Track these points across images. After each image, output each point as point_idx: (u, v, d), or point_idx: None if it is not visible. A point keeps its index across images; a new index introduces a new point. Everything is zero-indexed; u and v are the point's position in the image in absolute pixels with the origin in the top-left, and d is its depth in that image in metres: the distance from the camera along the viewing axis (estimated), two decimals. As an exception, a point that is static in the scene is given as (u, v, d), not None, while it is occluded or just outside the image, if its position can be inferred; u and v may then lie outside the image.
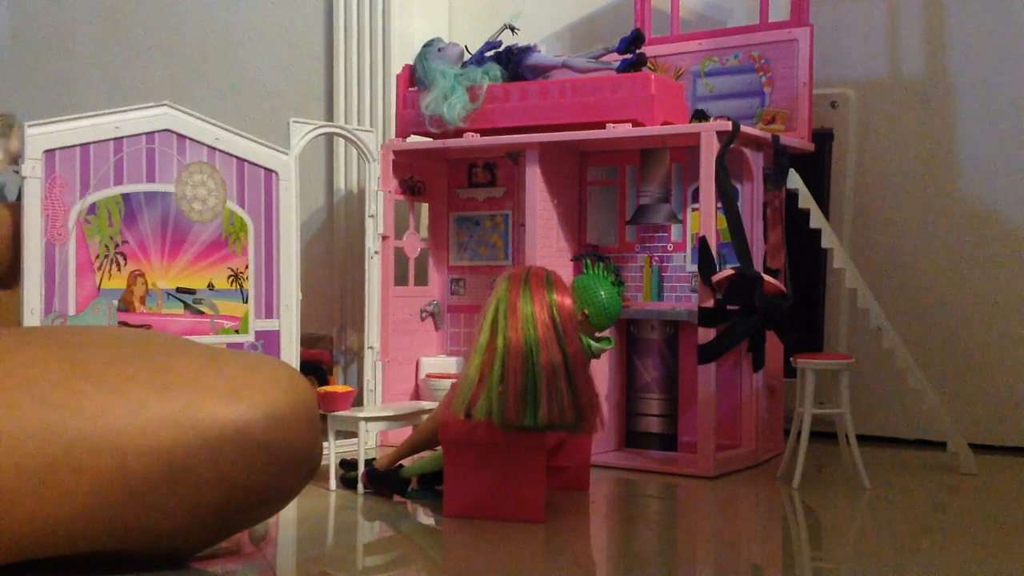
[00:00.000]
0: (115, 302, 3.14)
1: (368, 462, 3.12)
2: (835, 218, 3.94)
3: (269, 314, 3.48)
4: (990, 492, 3.19)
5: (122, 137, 3.16)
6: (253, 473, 2.20)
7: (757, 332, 3.40)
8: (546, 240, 3.65)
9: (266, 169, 3.49)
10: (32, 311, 2.95)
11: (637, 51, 3.58)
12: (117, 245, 3.15)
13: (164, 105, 3.27)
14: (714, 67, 3.88)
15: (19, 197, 3.08)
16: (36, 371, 2.16)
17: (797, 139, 3.66)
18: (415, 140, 3.93)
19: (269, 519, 2.64)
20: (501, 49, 3.85)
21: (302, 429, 2.28)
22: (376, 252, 3.83)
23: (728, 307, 3.34)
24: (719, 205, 3.35)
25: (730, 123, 3.33)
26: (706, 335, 3.33)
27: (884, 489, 3.17)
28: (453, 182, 4.09)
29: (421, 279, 4.05)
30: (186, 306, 3.30)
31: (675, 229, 3.67)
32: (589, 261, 3.14)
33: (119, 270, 3.15)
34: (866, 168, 3.99)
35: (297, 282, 3.54)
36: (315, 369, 4.09)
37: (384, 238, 3.85)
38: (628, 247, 3.74)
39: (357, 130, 3.84)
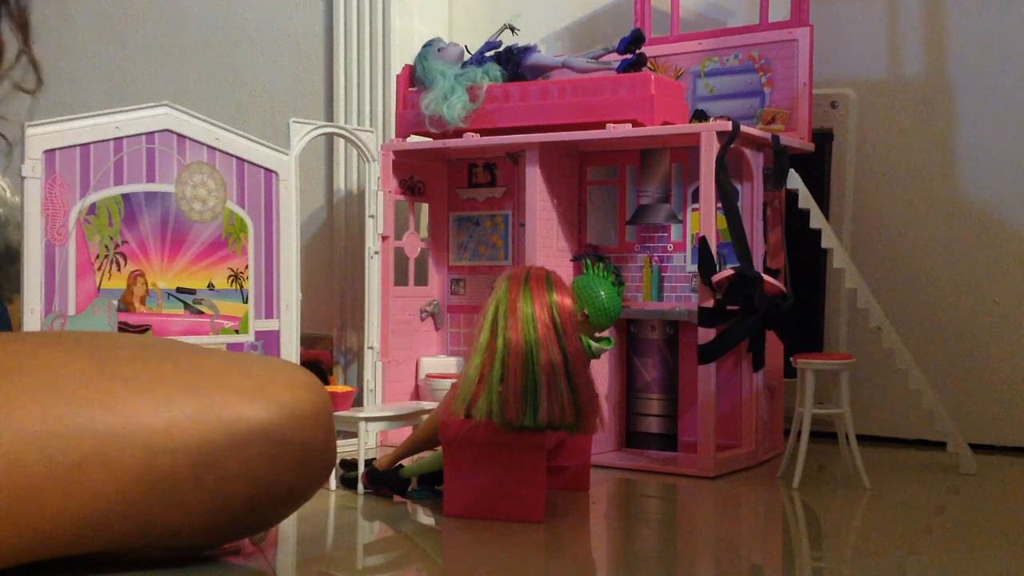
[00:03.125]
0: (115, 302, 3.14)
1: (368, 462, 3.12)
2: (835, 218, 3.94)
3: (269, 314, 3.48)
4: (990, 492, 3.19)
5: (122, 137, 3.16)
6: (276, 470, 2.23)
7: (757, 332, 3.40)
8: (546, 240, 3.65)
9: (266, 169, 3.49)
10: (32, 311, 2.96)
11: (637, 51, 3.58)
12: (117, 245, 3.15)
13: (164, 105, 3.27)
14: (714, 67, 3.89)
15: None
16: (66, 370, 2.19)
17: (797, 139, 3.66)
18: (415, 140, 3.93)
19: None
20: (501, 49, 3.85)
21: (322, 428, 2.32)
22: (376, 252, 3.83)
23: (728, 307, 3.34)
24: (719, 205, 3.35)
25: (730, 123, 3.34)
26: (706, 335, 3.33)
27: (884, 489, 3.17)
28: (453, 182, 4.09)
29: (421, 279, 4.05)
30: (186, 306, 3.30)
31: (675, 229, 3.67)
32: (589, 261, 3.14)
33: (119, 270, 3.15)
34: (866, 168, 3.99)
35: (297, 282, 3.54)
36: (315, 369, 4.09)
37: (384, 238, 3.85)
38: (628, 247, 3.74)
39: (357, 130, 3.84)
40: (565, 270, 3.65)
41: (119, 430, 2.14)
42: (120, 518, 2.14)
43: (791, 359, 3.32)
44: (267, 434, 2.23)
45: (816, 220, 3.52)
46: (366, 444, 3.15)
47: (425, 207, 4.14)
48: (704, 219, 3.34)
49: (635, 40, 3.59)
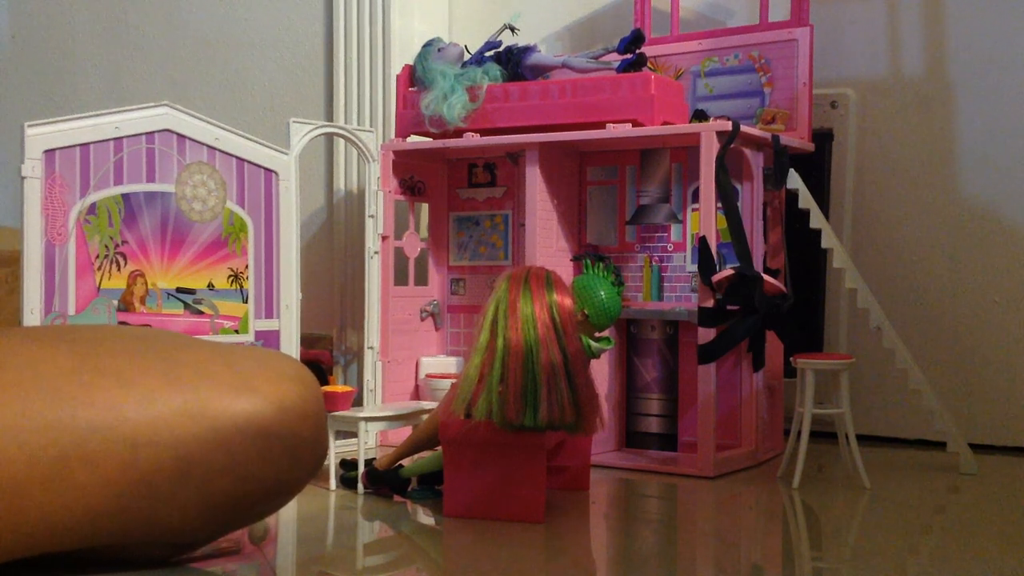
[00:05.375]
0: (115, 302, 3.14)
1: (368, 462, 3.12)
2: (835, 218, 3.94)
3: (269, 314, 3.48)
4: (990, 492, 3.19)
5: (122, 137, 3.16)
6: (263, 464, 2.22)
7: (757, 332, 3.40)
8: (546, 240, 3.65)
9: (266, 169, 3.49)
10: (32, 311, 2.95)
11: (637, 51, 3.58)
12: (117, 245, 3.15)
13: (164, 105, 3.27)
14: (714, 67, 3.89)
15: None
16: (47, 365, 2.18)
17: (797, 139, 3.66)
18: (415, 140, 3.93)
19: (269, 519, 2.65)
20: (501, 49, 3.85)
21: (310, 420, 2.30)
22: (376, 252, 3.83)
23: (728, 307, 3.34)
24: (719, 205, 3.35)
25: (730, 123, 3.34)
26: (706, 335, 3.33)
27: (884, 489, 3.17)
28: (453, 182, 4.09)
29: (421, 279, 4.05)
30: (186, 306, 3.30)
31: (675, 229, 3.67)
32: (589, 261, 3.14)
33: (119, 270, 3.15)
34: (866, 168, 3.99)
35: (297, 282, 3.54)
36: (315, 369, 4.08)
37: (384, 238, 3.85)
38: (628, 247, 3.74)
39: (357, 130, 3.84)
40: (565, 270, 3.65)
41: (101, 425, 2.13)
42: (105, 513, 2.13)
43: (791, 359, 3.32)
44: (253, 428, 2.22)
45: (816, 220, 3.52)
46: (366, 444, 3.15)
47: (425, 207, 4.14)
48: (704, 219, 3.34)
49: (635, 40, 3.59)
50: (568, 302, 2.75)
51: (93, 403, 2.15)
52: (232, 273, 3.40)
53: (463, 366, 3.34)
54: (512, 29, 3.89)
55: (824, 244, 3.51)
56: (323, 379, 4.09)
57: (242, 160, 3.43)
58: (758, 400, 3.54)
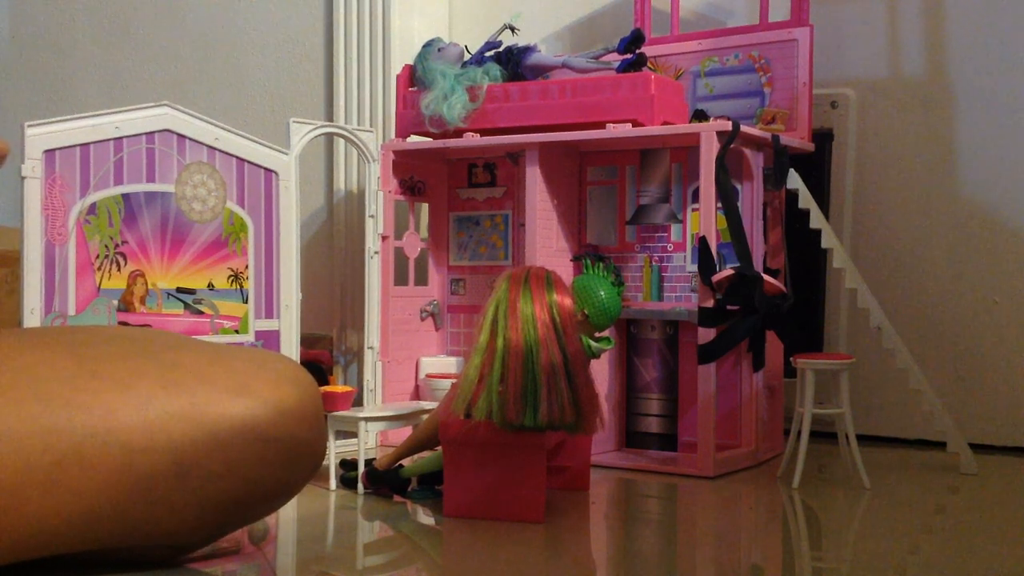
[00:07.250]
0: (115, 302, 3.14)
1: (368, 462, 3.12)
2: (835, 218, 3.95)
3: (269, 314, 3.48)
4: (990, 492, 3.19)
5: (122, 137, 3.16)
6: (261, 467, 2.21)
7: (757, 332, 3.40)
8: (546, 240, 3.65)
9: (266, 169, 3.49)
10: (32, 311, 2.96)
11: (637, 51, 3.58)
12: (117, 245, 3.15)
13: (164, 105, 3.27)
14: (714, 67, 3.89)
15: None
16: (42, 369, 2.17)
17: (797, 139, 3.66)
18: (415, 140, 3.93)
19: (269, 519, 2.65)
20: (501, 49, 3.85)
21: (309, 423, 2.29)
22: (376, 252, 3.83)
23: (728, 307, 3.34)
24: (719, 205, 3.35)
25: (730, 123, 3.34)
26: (706, 335, 3.33)
27: (884, 489, 3.17)
28: (453, 182, 4.09)
29: (421, 279, 4.05)
30: (186, 306, 3.30)
31: (675, 229, 3.67)
32: (589, 261, 3.14)
33: (119, 270, 3.15)
34: (866, 168, 3.99)
35: (297, 282, 3.54)
36: (315, 369, 4.08)
37: (384, 238, 3.85)
38: (628, 247, 3.74)
39: (357, 130, 3.84)
40: (565, 270, 3.65)
41: (97, 429, 2.13)
42: (103, 518, 2.13)
43: (791, 359, 3.32)
44: (251, 432, 2.21)
45: (816, 220, 3.52)
46: (366, 444, 3.15)
47: (425, 207, 4.14)
48: (704, 219, 3.34)
49: (635, 40, 3.59)
50: (568, 302, 2.75)
51: (89, 407, 2.14)
52: (232, 273, 3.40)
53: (463, 366, 3.34)
54: (512, 29, 3.89)
55: (824, 244, 3.51)
56: (323, 379, 4.09)
57: (242, 160, 3.43)
58: (758, 400, 3.54)
